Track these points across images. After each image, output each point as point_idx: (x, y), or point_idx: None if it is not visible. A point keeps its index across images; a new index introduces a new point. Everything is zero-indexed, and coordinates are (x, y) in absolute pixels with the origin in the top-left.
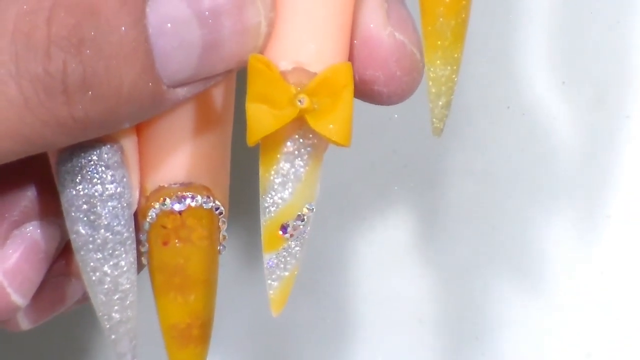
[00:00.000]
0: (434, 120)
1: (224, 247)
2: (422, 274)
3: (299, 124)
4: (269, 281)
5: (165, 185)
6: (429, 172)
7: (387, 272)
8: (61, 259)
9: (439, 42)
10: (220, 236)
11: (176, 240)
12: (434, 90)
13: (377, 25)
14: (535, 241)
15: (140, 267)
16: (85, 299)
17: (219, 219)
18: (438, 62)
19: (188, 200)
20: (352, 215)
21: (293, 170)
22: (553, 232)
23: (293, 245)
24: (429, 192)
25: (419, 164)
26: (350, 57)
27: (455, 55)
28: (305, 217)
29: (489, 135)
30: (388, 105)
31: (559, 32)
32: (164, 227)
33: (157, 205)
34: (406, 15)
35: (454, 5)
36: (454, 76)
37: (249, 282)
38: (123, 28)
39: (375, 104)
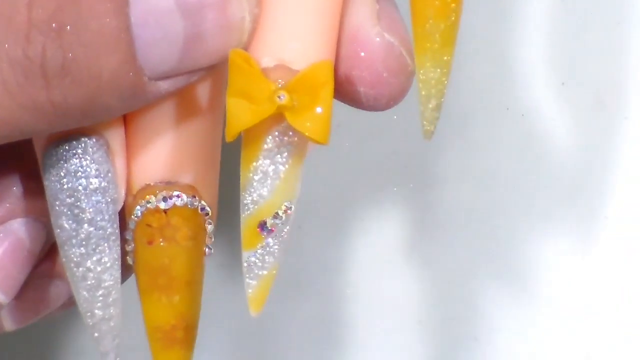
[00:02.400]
0: (425, 122)
1: (211, 249)
2: (421, 275)
3: (280, 121)
4: (247, 280)
5: (152, 184)
6: (428, 173)
7: (386, 273)
8: (47, 260)
9: (428, 45)
10: (207, 238)
11: (160, 240)
12: (423, 93)
13: (365, 24)
14: (534, 242)
15: (127, 270)
16: (71, 303)
17: (205, 220)
18: (427, 64)
19: (174, 199)
20: (351, 216)
21: (273, 167)
22: (552, 234)
23: (272, 244)
24: (429, 193)
25: (418, 165)
26: (338, 57)
27: (445, 58)
28: (283, 216)
29: (488, 136)
30: (377, 110)
31: (559, 33)
32: (149, 225)
33: (142, 203)
34: (397, 18)
35: (443, 8)
36: (444, 79)
37: (239, 284)
38: (104, 16)
39: (364, 109)
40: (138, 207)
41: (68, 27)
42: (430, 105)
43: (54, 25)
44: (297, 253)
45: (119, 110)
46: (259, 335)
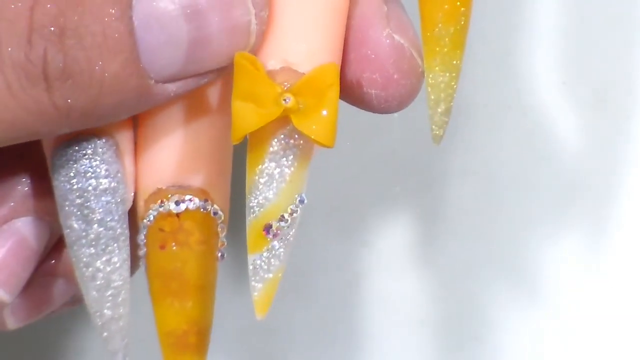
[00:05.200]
0: (434, 127)
1: (223, 254)
2: (422, 274)
3: (285, 124)
4: (253, 283)
5: (164, 187)
6: (429, 173)
7: (388, 272)
8: (51, 259)
9: (438, 49)
10: (219, 242)
11: (173, 244)
12: (433, 97)
13: (375, 26)
14: (536, 242)
15: (134, 267)
16: (74, 302)
17: (217, 224)
18: (437, 68)
19: (186, 203)
20: (352, 216)
21: (278, 170)
22: (553, 233)
23: (277, 247)
24: (429, 192)
25: (419, 164)
26: (348, 60)
27: (455, 62)
28: (289, 218)
29: (489, 135)
30: (388, 112)
31: (560, 32)
32: (162, 229)
33: (154, 207)
34: (406, 21)
35: (453, 11)
36: (453, 83)
37: (245, 285)
38: (107, 19)
39: (375, 112)
40: (150, 211)
41: (70, 31)
42: (440, 110)
43: (55, 29)
44: (298, 253)
45: (126, 113)
46: (261, 335)
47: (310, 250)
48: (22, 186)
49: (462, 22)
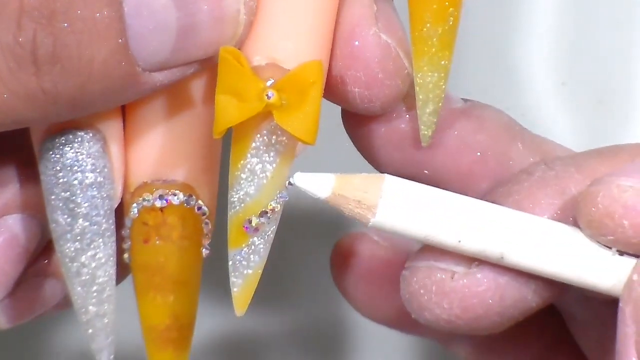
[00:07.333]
0: (422, 127)
1: (208, 249)
2: None
3: (269, 120)
4: (233, 278)
5: (149, 182)
6: None
7: None
8: (43, 259)
9: (426, 49)
10: (204, 238)
11: (156, 238)
12: (421, 97)
13: (361, 24)
14: None
15: (124, 270)
16: (66, 304)
17: (202, 220)
18: (425, 68)
19: (170, 198)
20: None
21: (260, 166)
22: None
23: (257, 243)
24: None
25: None
26: (334, 56)
27: (443, 63)
28: (270, 214)
29: None
30: (371, 112)
31: (559, 32)
32: (145, 223)
33: (139, 201)
34: (396, 22)
35: (441, 12)
36: (441, 83)
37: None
38: (97, 4)
39: (358, 112)
40: (135, 204)
41: (59, 15)
42: (428, 110)
43: (45, 12)
44: (296, 253)
45: (113, 101)
46: (265, 333)
47: (307, 250)
48: (15, 183)
49: (451, 23)
